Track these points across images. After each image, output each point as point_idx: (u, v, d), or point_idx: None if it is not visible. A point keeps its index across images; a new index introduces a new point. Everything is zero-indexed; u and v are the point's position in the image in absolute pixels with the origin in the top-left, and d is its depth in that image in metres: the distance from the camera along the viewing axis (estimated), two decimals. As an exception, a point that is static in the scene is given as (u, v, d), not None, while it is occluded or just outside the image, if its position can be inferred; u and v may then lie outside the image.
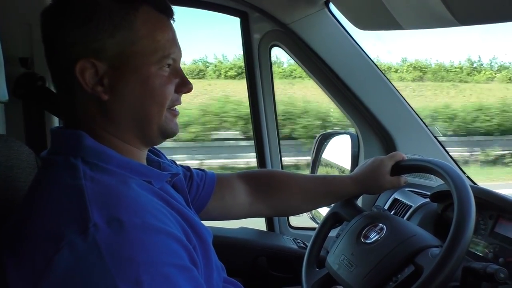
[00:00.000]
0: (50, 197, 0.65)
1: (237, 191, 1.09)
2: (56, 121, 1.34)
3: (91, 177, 0.65)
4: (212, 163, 7.19)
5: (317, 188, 1.12)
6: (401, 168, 1.08)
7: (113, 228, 0.59)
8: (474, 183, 1.43)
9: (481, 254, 1.03)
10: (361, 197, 1.22)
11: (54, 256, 0.57)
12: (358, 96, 1.53)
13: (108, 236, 0.58)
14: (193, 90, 0.78)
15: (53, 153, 0.72)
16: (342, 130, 1.79)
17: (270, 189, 1.11)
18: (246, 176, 1.12)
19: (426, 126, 1.58)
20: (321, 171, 1.74)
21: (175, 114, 0.78)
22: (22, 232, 0.64)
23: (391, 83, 1.56)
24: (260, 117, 1.63)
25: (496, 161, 8.34)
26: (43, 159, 0.73)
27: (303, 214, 1.39)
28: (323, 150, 1.74)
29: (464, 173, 1.41)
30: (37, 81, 1.28)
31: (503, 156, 8.40)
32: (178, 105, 0.79)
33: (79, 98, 0.71)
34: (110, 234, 0.58)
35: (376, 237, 0.95)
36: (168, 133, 0.77)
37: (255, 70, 1.60)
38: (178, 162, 0.98)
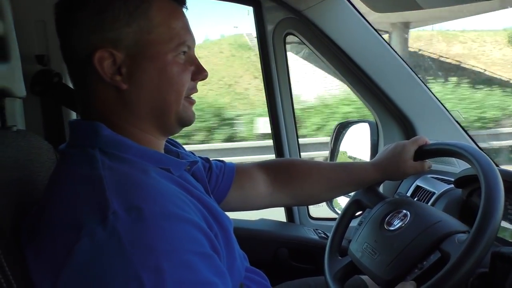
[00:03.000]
0: (69, 188, 0.65)
1: (257, 181, 1.08)
2: (73, 116, 1.35)
3: (110, 166, 0.65)
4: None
5: (338, 175, 1.10)
6: (424, 152, 1.05)
7: (132, 216, 0.58)
8: (498, 166, 1.38)
9: (510, 240, 0.99)
10: (381, 185, 1.19)
11: (74, 245, 0.57)
12: (376, 82, 1.50)
13: (127, 224, 0.58)
14: None
15: (71, 145, 0.72)
16: (361, 119, 1.76)
17: (290, 178, 1.10)
18: (265, 165, 1.11)
19: (447, 110, 1.53)
20: (340, 160, 1.71)
21: (191, 102, 0.78)
22: (42, 223, 0.64)
23: (410, 67, 1.52)
24: (277, 108, 1.61)
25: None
26: (61, 151, 0.74)
27: (322, 204, 1.37)
28: (341, 140, 1.71)
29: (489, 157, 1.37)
30: (53, 78, 1.29)
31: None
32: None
33: (97, 89, 0.71)
34: (129, 222, 0.58)
35: (400, 224, 0.92)
36: (185, 121, 0.77)
37: (270, 59, 1.57)
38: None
